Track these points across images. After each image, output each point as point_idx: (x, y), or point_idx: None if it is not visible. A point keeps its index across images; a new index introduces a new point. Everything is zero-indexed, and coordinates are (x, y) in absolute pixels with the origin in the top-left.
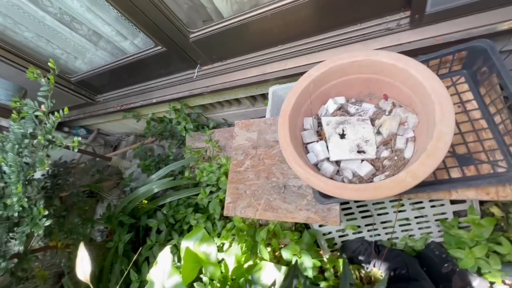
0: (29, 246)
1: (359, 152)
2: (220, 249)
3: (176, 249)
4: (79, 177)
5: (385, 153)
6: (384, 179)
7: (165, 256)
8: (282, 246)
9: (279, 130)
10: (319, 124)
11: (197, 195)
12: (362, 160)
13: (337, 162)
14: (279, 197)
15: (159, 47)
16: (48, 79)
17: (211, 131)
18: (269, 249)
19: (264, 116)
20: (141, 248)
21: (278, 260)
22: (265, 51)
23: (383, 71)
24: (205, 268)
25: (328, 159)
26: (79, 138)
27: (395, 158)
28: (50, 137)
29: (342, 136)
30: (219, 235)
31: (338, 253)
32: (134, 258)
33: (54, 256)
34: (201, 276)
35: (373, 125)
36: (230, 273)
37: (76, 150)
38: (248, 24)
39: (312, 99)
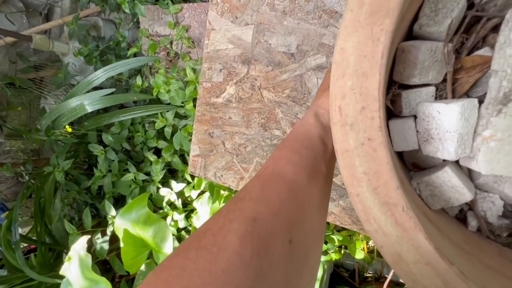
0: None
1: None
2: (188, 199)
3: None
4: None
5: None
6: None
7: (79, 249)
8: None
9: (342, 38)
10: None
11: (161, 114)
12: None
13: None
14: None
15: None
16: None
17: (177, 7)
18: None
19: None
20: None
21: None
22: None
23: None
24: (157, 256)
25: (457, 162)
26: None
27: None
28: None
29: None
30: (193, 177)
31: None
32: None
33: None
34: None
35: None
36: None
37: None
38: None
39: None
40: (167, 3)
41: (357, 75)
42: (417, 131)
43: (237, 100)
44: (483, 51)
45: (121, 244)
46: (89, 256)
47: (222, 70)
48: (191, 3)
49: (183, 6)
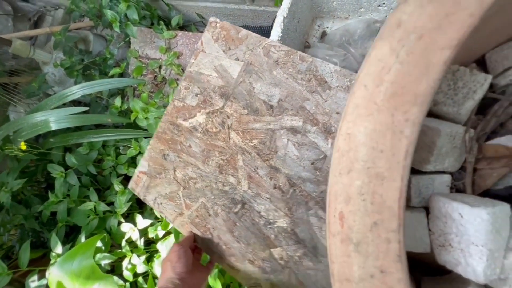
0: None
1: None
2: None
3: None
4: None
5: None
6: None
7: None
8: None
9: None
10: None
11: (137, 139)
12: None
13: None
14: (225, 217)
15: None
16: None
17: (172, 33)
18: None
19: (265, 32)
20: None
21: None
22: None
23: None
24: None
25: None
26: None
27: None
28: None
29: None
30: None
31: None
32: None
33: None
34: None
35: None
36: None
37: None
38: None
39: None
40: (162, 28)
41: (369, 175)
42: (430, 230)
43: (203, 131)
44: (506, 140)
45: None
46: None
47: (198, 95)
48: (186, 32)
49: (177, 33)
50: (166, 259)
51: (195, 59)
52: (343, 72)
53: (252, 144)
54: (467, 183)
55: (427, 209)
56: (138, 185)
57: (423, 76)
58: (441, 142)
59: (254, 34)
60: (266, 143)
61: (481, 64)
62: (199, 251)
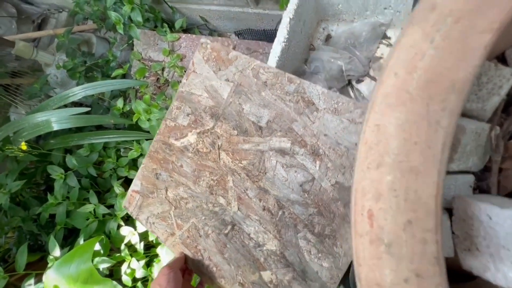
0: None
1: None
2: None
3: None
4: None
5: None
6: None
7: None
8: None
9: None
10: None
11: (138, 141)
12: None
13: None
14: (215, 238)
15: None
16: None
17: (175, 36)
18: None
19: (269, 35)
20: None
21: None
22: None
23: None
24: None
25: None
26: None
27: None
28: None
29: None
30: None
31: None
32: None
33: None
34: None
35: None
36: None
37: None
38: None
39: None
40: (165, 31)
41: (402, 169)
42: (453, 233)
43: (194, 151)
44: None
45: None
46: None
47: (190, 115)
48: (189, 34)
49: (181, 35)
50: (156, 282)
51: (186, 79)
52: (330, 94)
53: (241, 165)
54: (492, 184)
55: (449, 211)
56: (131, 204)
57: (461, 62)
58: (465, 139)
59: (243, 55)
60: (255, 164)
61: (501, 61)
62: (190, 272)
